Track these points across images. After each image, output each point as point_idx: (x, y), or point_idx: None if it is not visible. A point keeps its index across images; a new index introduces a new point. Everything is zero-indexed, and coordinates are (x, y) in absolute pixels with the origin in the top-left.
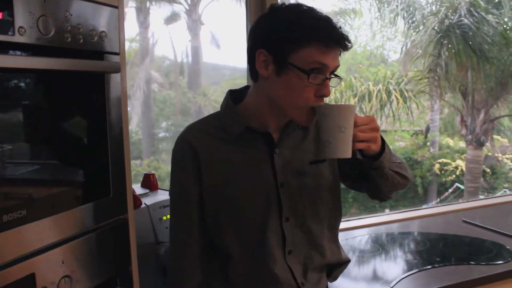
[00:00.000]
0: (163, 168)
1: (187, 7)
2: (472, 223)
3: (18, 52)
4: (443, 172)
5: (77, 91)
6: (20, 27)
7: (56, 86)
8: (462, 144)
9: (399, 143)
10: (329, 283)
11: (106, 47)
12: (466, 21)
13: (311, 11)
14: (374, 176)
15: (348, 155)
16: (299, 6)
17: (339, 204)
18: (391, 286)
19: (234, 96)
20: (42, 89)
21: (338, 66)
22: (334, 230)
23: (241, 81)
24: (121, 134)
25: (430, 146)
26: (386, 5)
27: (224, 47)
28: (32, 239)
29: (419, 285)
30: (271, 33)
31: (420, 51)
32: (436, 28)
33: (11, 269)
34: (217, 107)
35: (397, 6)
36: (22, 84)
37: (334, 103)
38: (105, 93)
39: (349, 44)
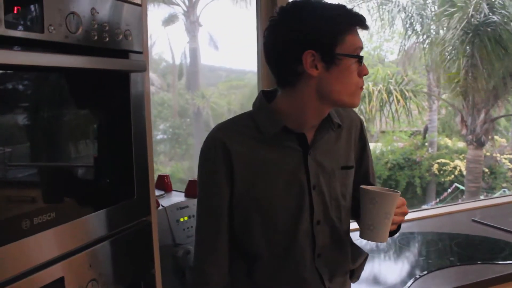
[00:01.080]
0: (161, 170)
1: (185, 9)
2: (482, 223)
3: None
4: (441, 172)
5: (102, 91)
6: (50, 24)
7: (82, 85)
8: (460, 144)
9: (397, 143)
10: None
11: (130, 45)
12: (495, 18)
13: (323, 2)
14: None
15: (385, 240)
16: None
17: (353, 207)
18: (408, 286)
19: (267, 97)
20: (68, 88)
21: None
22: (349, 232)
23: (237, 82)
24: (145, 135)
25: (429, 147)
26: (384, 7)
27: (222, 49)
28: (61, 242)
29: (435, 284)
30: (313, 32)
31: (447, 54)
32: (464, 28)
33: (42, 272)
34: (216, 109)
35: (396, 6)
36: (47, 83)
37: (379, 189)
38: (130, 92)
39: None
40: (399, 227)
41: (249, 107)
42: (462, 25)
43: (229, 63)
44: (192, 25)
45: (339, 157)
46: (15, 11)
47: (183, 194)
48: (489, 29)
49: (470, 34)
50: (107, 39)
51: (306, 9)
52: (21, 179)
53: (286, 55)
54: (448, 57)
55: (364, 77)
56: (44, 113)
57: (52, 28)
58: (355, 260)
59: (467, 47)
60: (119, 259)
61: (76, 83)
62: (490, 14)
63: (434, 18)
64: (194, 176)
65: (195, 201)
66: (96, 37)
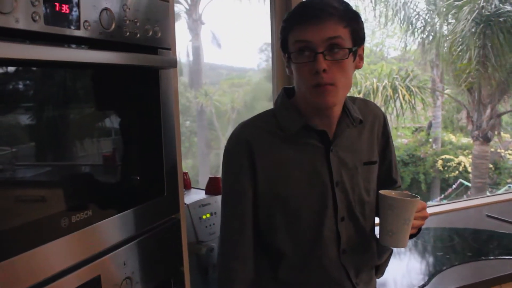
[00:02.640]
0: None
1: (187, 7)
2: (496, 218)
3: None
4: (446, 168)
5: (133, 88)
6: (85, 21)
7: (114, 82)
8: (464, 140)
9: (401, 139)
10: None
11: (159, 42)
12: (509, 7)
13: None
14: None
15: (405, 245)
16: None
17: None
18: (427, 280)
19: (288, 94)
20: (100, 85)
21: (331, 37)
22: (374, 228)
23: (239, 80)
24: (173, 131)
25: (433, 143)
26: (382, 4)
27: (224, 46)
28: (98, 240)
29: (456, 280)
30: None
31: (457, 47)
32: (475, 19)
33: (80, 271)
34: (219, 107)
35: (396, 4)
36: (81, 80)
37: (399, 195)
38: (160, 89)
39: (330, 9)
40: (419, 230)
41: (252, 105)
42: (473, 16)
43: (230, 61)
44: (195, 23)
45: (362, 153)
46: (53, 8)
47: (203, 192)
48: (501, 19)
49: (482, 25)
50: (138, 35)
51: None
52: (59, 178)
53: None
54: (459, 48)
55: (367, 72)
56: (74, 111)
57: (87, 24)
58: (381, 256)
59: (479, 38)
60: (151, 257)
61: (108, 79)
62: (501, 4)
63: (444, 10)
64: (198, 174)
65: (216, 198)
66: (128, 34)
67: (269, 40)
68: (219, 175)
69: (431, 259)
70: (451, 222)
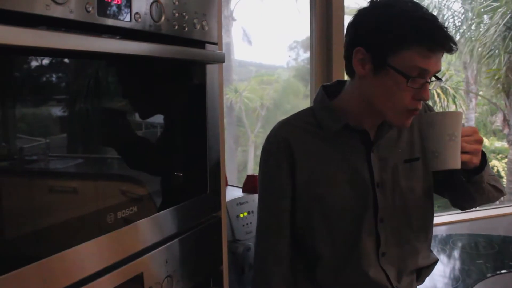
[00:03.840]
0: None
1: None
2: None
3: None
4: None
5: (180, 82)
6: (136, 13)
7: (160, 76)
8: (497, 144)
9: None
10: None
11: (206, 36)
12: None
13: (415, 9)
14: (471, 190)
15: (458, 165)
16: (401, 1)
17: (431, 205)
18: None
19: (328, 92)
20: (147, 79)
21: (439, 70)
22: (426, 231)
23: (268, 77)
24: (218, 127)
25: None
26: None
27: (255, 43)
28: (141, 237)
29: None
30: (371, 32)
31: (487, 50)
32: (507, 24)
33: (124, 267)
34: (248, 104)
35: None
36: (127, 72)
37: (439, 111)
38: (206, 84)
39: (455, 47)
40: (483, 161)
41: (281, 103)
42: (505, 20)
43: (259, 58)
44: (226, 20)
45: (402, 151)
46: None
47: (240, 189)
48: None
49: None
50: (186, 28)
51: (386, 8)
52: (105, 172)
53: (346, 46)
54: (490, 53)
55: None
56: (120, 104)
57: (138, 16)
58: (425, 262)
59: (510, 43)
60: (192, 255)
61: (154, 73)
62: None
63: (482, 11)
64: (225, 170)
65: (254, 196)
66: (176, 27)
67: (299, 38)
68: (247, 172)
69: (470, 268)
70: (490, 229)
